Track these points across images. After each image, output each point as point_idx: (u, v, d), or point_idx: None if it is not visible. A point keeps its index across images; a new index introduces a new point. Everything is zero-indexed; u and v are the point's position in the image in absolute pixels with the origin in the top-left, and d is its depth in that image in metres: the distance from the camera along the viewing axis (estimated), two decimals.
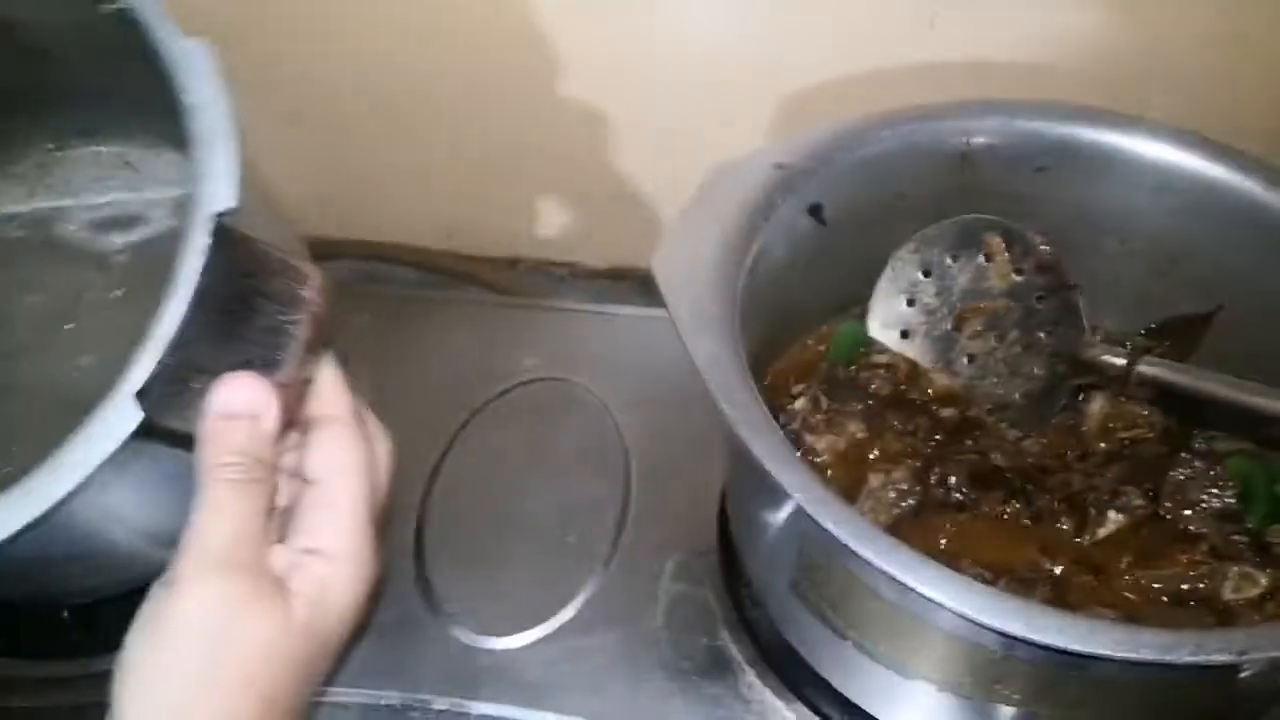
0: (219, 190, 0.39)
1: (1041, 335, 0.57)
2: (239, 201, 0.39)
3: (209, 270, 0.38)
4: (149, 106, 0.43)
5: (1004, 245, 0.57)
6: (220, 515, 0.38)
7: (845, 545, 0.39)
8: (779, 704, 0.55)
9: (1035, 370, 0.58)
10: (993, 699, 0.43)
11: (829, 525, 0.39)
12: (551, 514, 0.62)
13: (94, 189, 0.61)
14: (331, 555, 0.39)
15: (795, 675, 0.55)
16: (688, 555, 0.60)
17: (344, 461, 0.41)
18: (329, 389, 0.43)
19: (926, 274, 0.60)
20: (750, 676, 0.56)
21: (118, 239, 0.59)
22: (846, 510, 0.40)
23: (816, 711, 0.54)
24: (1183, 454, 0.54)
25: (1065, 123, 0.56)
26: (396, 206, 0.84)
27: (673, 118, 0.72)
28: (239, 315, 0.40)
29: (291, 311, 0.42)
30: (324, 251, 0.84)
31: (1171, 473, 0.54)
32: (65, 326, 0.56)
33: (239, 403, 0.39)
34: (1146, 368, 0.52)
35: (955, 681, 0.43)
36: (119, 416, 0.38)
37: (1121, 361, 0.54)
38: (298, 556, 0.39)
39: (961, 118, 0.57)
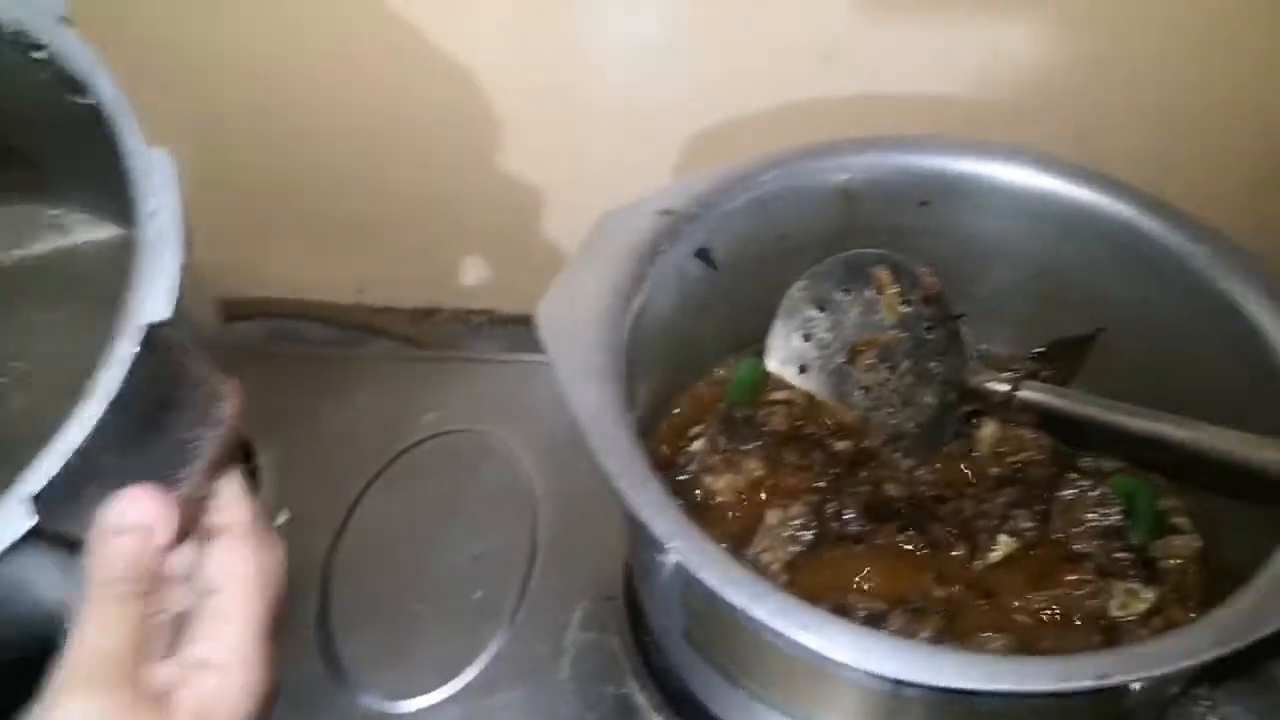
0: (155, 301, 0.38)
1: (931, 365, 0.58)
2: (172, 314, 0.38)
3: (129, 379, 0.37)
4: (96, 184, 0.42)
5: (892, 278, 0.58)
6: (101, 630, 0.36)
7: (721, 595, 0.38)
8: None
9: (927, 399, 0.58)
10: None
11: (703, 575, 0.39)
12: (459, 570, 0.61)
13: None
14: (222, 667, 0.38)
15: None
16: (595, 603, 0.60)
17: (240, 572, 0.40)
18: (230, 499, 0.42)
19: (820, 309, 0.61)
20: None
21: None
22: (722, 559, 0.40)
23: None
24: (1070, 474, 0.55)
25: (944, 156, 0.57)
26: (306, 263, 0.84)
27: (588, 161, 0.72)
28: (152, 427, 0.39)
29: (205, 429, 0.41)
30: (235, 312, 0.84)
31: (1059, 493, 0.55)
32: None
33: (134, 516, 0.38)
34: (1027, 393, 0.53)
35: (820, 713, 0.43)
36: (10, 520, 0.37)
37: (1005, 388, 0.54)
38: (186, 670, 0.38)
39: (841, 155, 0.57)
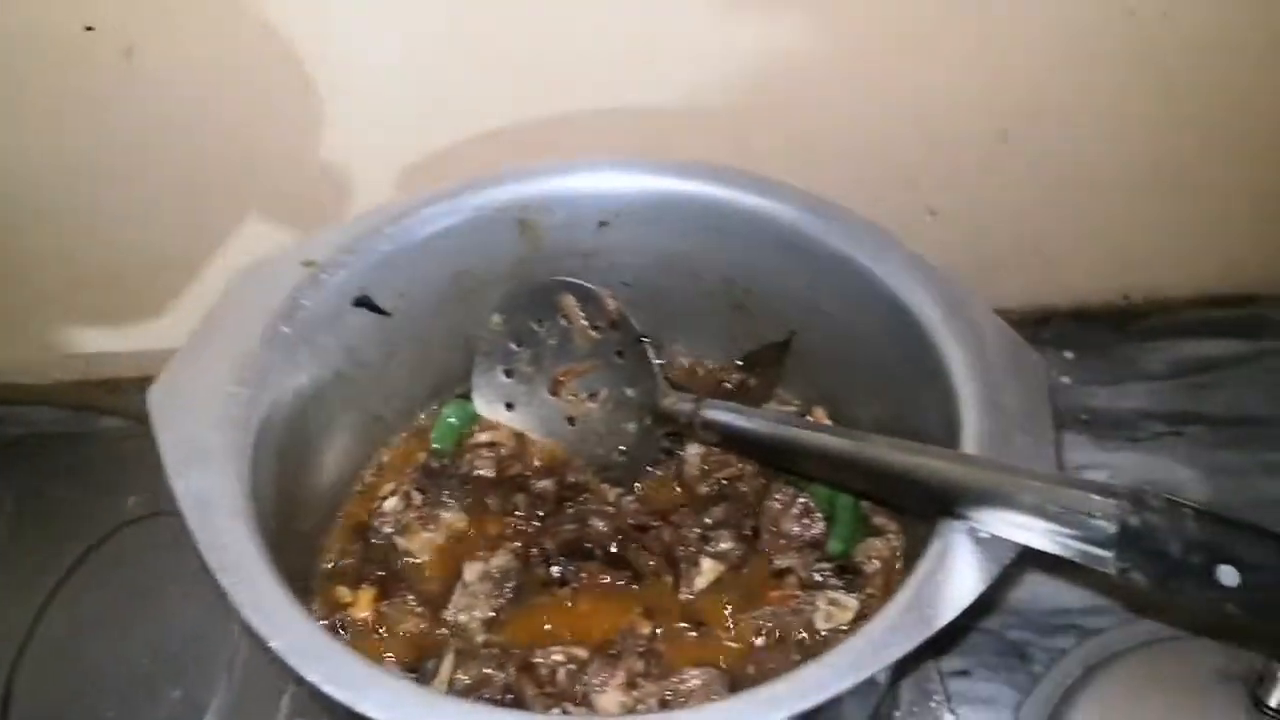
0: None
1: (628, 391, 0.56)
2: None
3: None
4: None
5: (577, 304, 0.56)
6: None
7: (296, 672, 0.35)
8: None
9: (628, 426, 0.56)
10: None
11: (282, 652, 0.35)
12: (155, 667, 0.56)
13: None
14: None
15: None
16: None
17: None
18: None
19: (518, 343, 0.58)
20: None
21: None
22: (312, 637, 0.37)
23: None
24: (776, 485, 0.54)
25: (615, 174, 0.56)
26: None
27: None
28: None
29: None
30: None
31: (766, 502, 0.53)
32: None
33: None
34: (708, 412, 0.51)
35: None
36: None
37: (689, 407, 0.52)
38: None
39: (507, 184, 0.55)
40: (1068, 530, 0.35)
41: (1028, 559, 0.37)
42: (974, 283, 0.76)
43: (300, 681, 0.36)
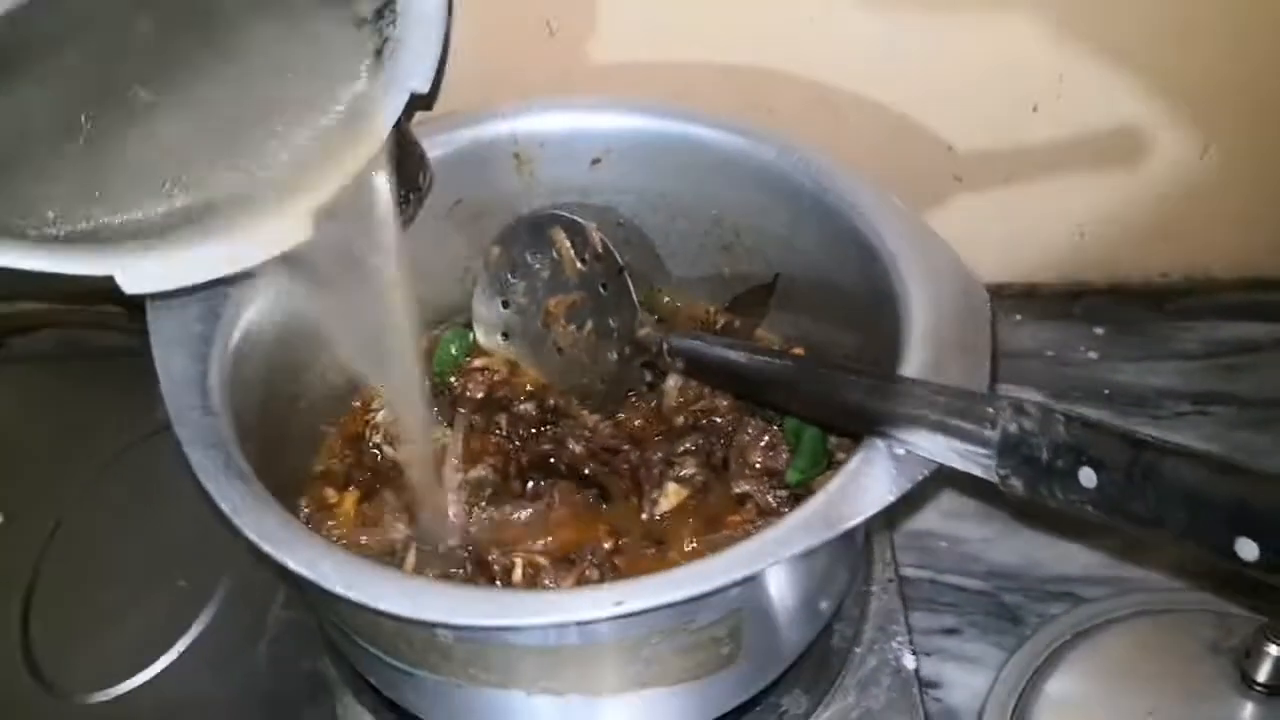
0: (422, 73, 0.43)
1: (610, 321, 0.58)
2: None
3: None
4: None
5: (566, 237, 0.58)
6: None
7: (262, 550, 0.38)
8: None
9: (610, 355, 0.58)
10: (469, 680, 0.43)
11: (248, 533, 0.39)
12: (167, 560, 0.61)
13: None
14: None
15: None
16: (295, 590, 0.59)
17: None
18: None
19: (513, 274, 0.61)
20: (347, 697, 0.55)
21: None
22: (274, 515, 0.40)
23: None
24: (749, 419, 0.55)
25: (607, 114, 0.58)
26: None
27: None
28: None
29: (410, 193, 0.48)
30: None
31: (738, 434, 0.55)
32: None
33: None
34: (675, 341, 0.53)
35: (416, 660, 0.43)
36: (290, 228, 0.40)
37: (659, 337, 0.54)
38: None
39: (506, 119, 0.58)
40: (960, 441, 0.36)
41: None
42: (1003, 254, 0.78)
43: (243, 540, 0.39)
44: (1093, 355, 0.78)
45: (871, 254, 0.50)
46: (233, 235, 0.42)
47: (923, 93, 0.68)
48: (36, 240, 0.41)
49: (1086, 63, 0.67)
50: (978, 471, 0.36)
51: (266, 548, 0.38)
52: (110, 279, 0.41)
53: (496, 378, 0.60)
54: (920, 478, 0.39)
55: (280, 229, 0.43)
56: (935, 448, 0.38)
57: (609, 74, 0.65)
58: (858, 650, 0.55)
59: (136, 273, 0.41)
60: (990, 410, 0.35)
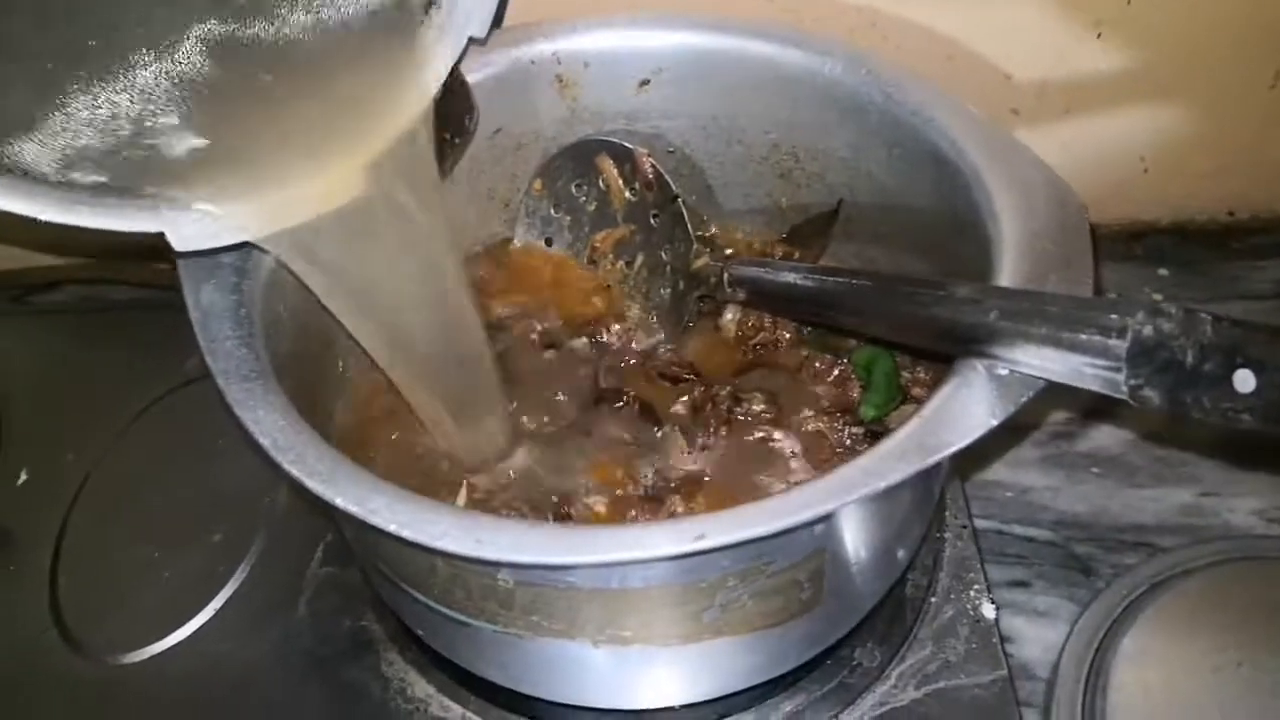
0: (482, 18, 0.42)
1: (662, 254, 0.55)
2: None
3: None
4: None
5: (614, 165, 0.55)
6: None
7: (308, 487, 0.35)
8: (417, 678, 0.51)
9: (663, 290, 0.55)
10: (530, 629, 0.40)
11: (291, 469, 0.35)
12: (199, 513, 0.58)
13: None
14: None
15: (432, 647, 0.51)
16: (339, 536, 0.56)
17: None
18: None
19: (557, 208, 0.57)
20: (391, 654, 0.52)
21: None
22: (317, 450, 0.37)
23: (454, 680, 0.50)
24: (813, 352, 0.52)
25: (656, 31, 0.54)
26: None
27: None
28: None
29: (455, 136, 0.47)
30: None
31: (803, 368, 0.51)
32: None
33: None
34: (736, 269, 0.50)
35: (474, 609, 0.40)
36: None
37: (718, 266, 0.51)
38: None
39: (549, 37, 0.54)
40: (1080, 353, 0.33)
41: None
42: None
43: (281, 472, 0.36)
44: (1157, 298, 0.74)
45: (950, 169, 0.46)
46: (285, 190, 0.40)
47: (979, 17, 0.64)
48: (69, 189, 0.38)
49: None
50: (1099, 388, 0.32)
51: (312, 484, 0.35)
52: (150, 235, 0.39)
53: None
54: (1025, 399, 0.36)
55: (332, 184, 0.41)
56: (1047, 363, 0.34)
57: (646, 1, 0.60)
58: (933, 600, 0.52)
59: (188, 230, 0.39)
60: (1114, 318, 0.31)
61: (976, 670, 0.50)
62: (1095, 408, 0.65)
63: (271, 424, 0.37)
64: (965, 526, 0.56)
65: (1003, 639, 0.52)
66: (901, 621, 0.51)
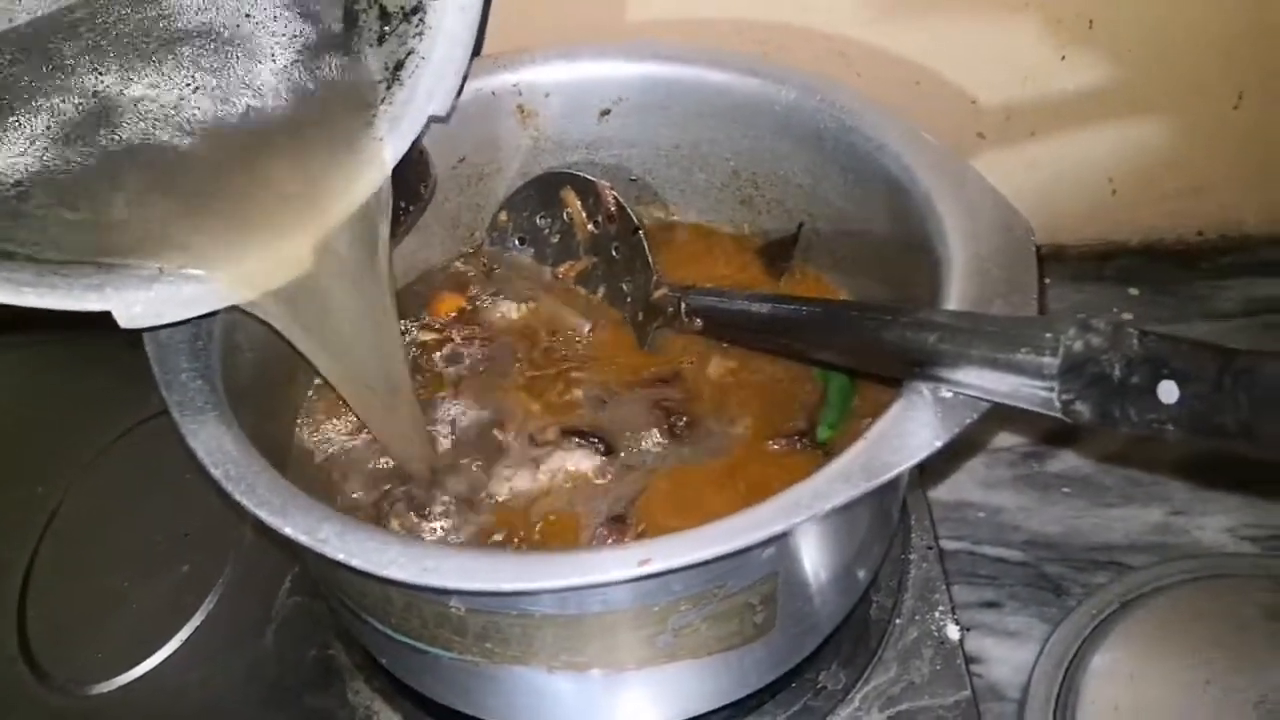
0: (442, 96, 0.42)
1: (623, 285, 0.55)
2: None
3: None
4: None
5: (577, 198, 0.55)
6: None
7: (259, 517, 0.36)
8: (383, 706, 0.51)
9: (624, 320, 0.55)
10: (485, 655, 0.40)
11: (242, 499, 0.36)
12: (168, 546, 0.58)
13: None
14: None
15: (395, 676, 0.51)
16: (302, 568, 0.57)
17: None
18: None
19: (523, 241, 0.58)
20: (358, 682, 0.52)
21: None
22: (269, 480, 0.37)
23: (418, 708, 0.50)
24: None
25: (616, 61, 0.55)
26: None
27: None
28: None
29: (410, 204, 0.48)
30: None
31: None
32: None
33: None
34: (694, 299, 0.50)
35: (429, 636, 0.40)
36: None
37: (676, 296, 0.51)
38: None
39: (509, 68, 0.55)
40: (1016, 372, 0.33)
41: None
42: (1030, 214, 0.75)
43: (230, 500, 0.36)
44: (1126, 316, 0.74)
45: (903, 194, 0.47)
46: (231, 270, 0.41)
47: (944, 43, 0.65)
48: (26, 264, 0.39)
49: (1117, 8, 0.63)
50: (1034, 406, 0.33)
51: (262, 514, 0.35)
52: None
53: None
54: (968, 421, 0.36)
55: (279, 263, 0.42)
56: (987, 383, 0.34)
57: (611, 31, 0.61)
58: (898, 621, 0.52)
59: (133, 309, 0.41)
60: (1048, 336, 0.32)
61: (941, 692, 0.50)
62: (1063, 429, 0.66)
63: (224, 455, 0.37)
64: (931, 547, 0.56)
65: (968, 660, 0.52)
66: (866, 643, 0.51)
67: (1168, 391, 0.29)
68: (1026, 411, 0.34)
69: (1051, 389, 0.31)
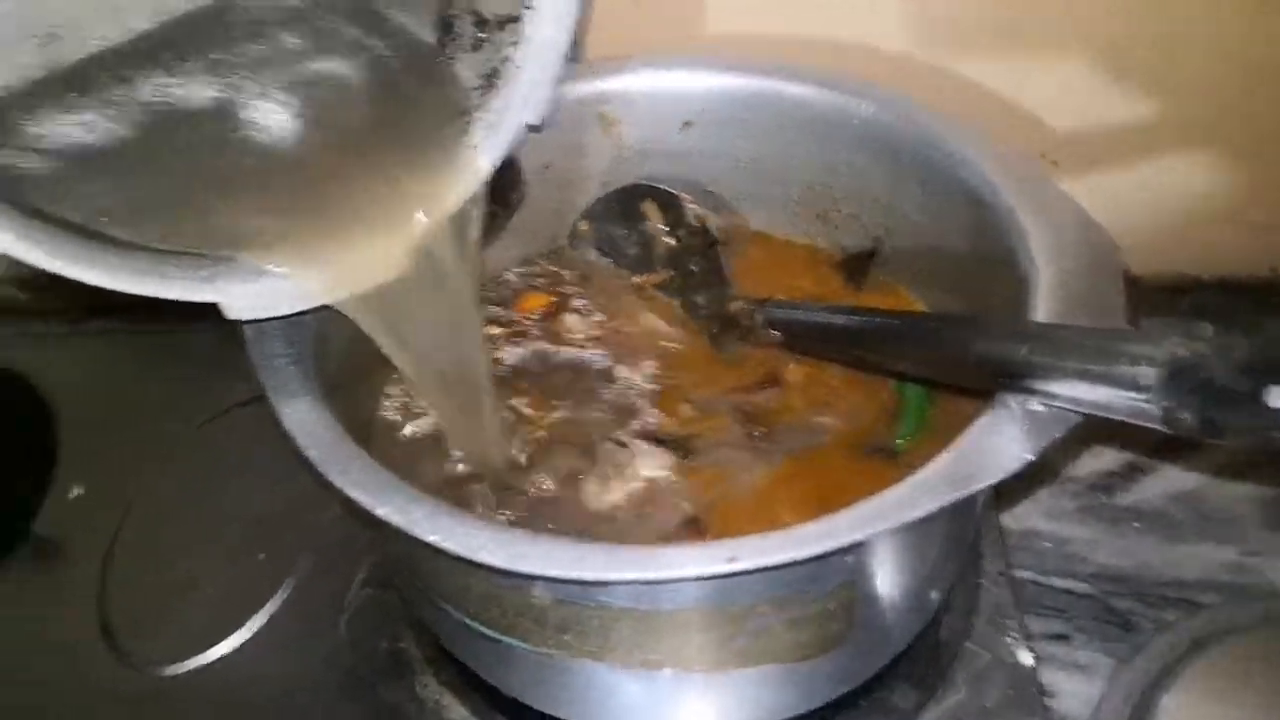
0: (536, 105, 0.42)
1: (698, 299, 0.56)
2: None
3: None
4: None
5: (659, 210, 0.56)
6: None
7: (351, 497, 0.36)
8: (452, 700, 0.52)
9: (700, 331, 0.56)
10: (562, 648, 0.40)
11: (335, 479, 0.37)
12: (244, 533, 0.60)
13: None
14: None
15: (468, 670, 0.52)
16: (382, 556, 0.57)
17: None
18: None
19: (602, 252, 0.59)
20: (426, 676, 0.53)
21: None
22: (362, 463, 0.38)
23: (487, 703, 0.51)
24: None
25: (698, 72, 0.56)
26: None
27: None
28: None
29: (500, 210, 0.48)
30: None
31: None
32: None
33: None
34: (772, 312, 0.51)
35: (507, 625, 0.40)
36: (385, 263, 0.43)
37: (753, 309, 0.52)
38: None
39: (597, 76, 0.56)
40: (1113, 383, 0.33)
41: None
42: None
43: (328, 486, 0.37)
44: None
45: (984, 208, 0.47)
46: (330, 268, 0.43)
47: (1013, 66, 0.65)
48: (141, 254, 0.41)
49: (1190, 46, 0.63)
50: (1131, 417, 0.33)
51: (356, 495, 0.36)
52: None
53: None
54: (1059, 435, 0.36)
55: (375, 264, 0.43)
56: (1081, 394, 0.34)
57: (689, 45, 0.62)
58: (969, 645, 0.52)
59: (240, 301, 0.42)
60: (1144, 347, 0.32)
61: (1014, 717, 0.49)
62: (1134, 462, 0.65)
63: (318, 438, 0.38)
64: (1002, 573, 0.55)
65: (1041, 689, 0.51)
66: (936, 664, 0.51)
67: (1277, 396, 0.28)
68: (1123, 427, 0.34)
69: (1150, 399, 0.31)
